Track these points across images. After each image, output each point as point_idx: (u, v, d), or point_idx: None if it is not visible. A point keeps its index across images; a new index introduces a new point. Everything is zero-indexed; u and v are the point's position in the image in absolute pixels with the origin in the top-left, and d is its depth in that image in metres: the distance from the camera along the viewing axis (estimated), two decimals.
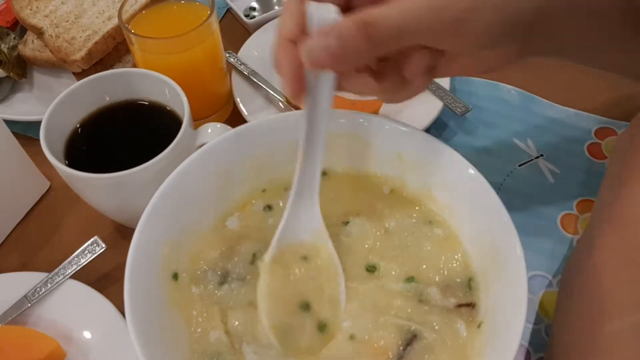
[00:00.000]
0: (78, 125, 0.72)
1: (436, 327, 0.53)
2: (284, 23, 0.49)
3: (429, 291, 0.56)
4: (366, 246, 0.59)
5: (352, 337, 0.53)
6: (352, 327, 0.54)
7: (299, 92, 0.50)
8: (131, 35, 0.76)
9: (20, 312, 0.66)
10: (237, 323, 0.55)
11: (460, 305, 0.55)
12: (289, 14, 0.48)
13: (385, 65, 0.52)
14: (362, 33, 0.44)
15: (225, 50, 0.86)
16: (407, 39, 0.46)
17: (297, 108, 0.85)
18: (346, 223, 0.61)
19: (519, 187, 0.78)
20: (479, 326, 0.53)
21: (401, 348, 0.52)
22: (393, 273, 0.57)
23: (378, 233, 0.60)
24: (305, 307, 0.54)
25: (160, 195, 0.56)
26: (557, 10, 0.50)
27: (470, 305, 0.55)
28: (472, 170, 0.58)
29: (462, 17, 0.45)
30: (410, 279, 0.56)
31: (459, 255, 0.58)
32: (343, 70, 0.51)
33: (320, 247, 0.56)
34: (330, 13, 0.47)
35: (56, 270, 0.68)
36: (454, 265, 0.57)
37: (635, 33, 0.55)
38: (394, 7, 0.45)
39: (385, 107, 0.83)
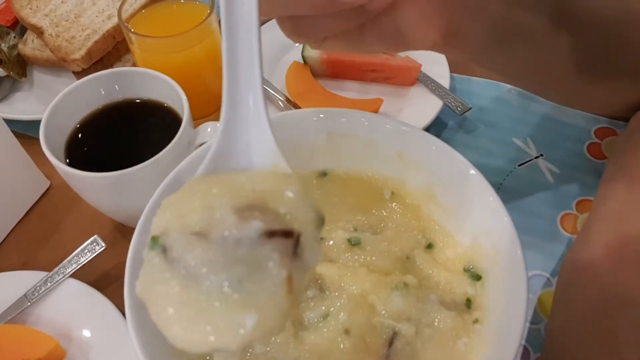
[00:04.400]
0: (78, 125, 0.72)
1: (431, 325, 0.54)
2: None
3: (429, 294, 0.56)
4: (374, 259, 0.59)
5: (346, 331, 0.54)
6: (347, 321, 0.54)
7: None
8: (131, 34, 0.76)
9: (20, 311, 0.66)
10: None
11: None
12: None
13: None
14: None
15: None
16: None
17: (297, 107, 0.85)
18: (355, 230, 0.61)
19: (519, 186, 0.78)
20: (475, 322, 0.54)
21: (391, 346, 0.52)
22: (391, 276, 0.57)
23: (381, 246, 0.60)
24: None
25: (160, 194, 0.56)
26: None
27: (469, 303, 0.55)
28: (472, 170, 0.58)
29: None
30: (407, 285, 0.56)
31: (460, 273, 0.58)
32: None
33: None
34: None
35: (56, 269, 0.68)
36: (456, 279, 0.57)
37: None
38: None
39: (385, 107, 0.83)
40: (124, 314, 0.50)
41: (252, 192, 0.37)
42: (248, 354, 0.53)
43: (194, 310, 0.33)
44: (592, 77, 0.63)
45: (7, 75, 0.91)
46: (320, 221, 0.38)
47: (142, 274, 0.36)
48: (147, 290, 0.36)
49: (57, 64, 0.91)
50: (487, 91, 0.89)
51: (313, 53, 0.89)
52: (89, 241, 0.69)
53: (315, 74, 0.90)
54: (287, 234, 0.35)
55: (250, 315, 0.33)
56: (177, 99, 0.70)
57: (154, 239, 0.36)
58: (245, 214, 0.34)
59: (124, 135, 0.73)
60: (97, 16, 0.91)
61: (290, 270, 0.34)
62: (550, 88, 0.68)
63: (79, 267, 0.68)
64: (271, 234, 0.34)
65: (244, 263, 0.33)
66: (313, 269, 0.37)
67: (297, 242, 0.35)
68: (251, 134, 0.42)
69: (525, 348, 0.64)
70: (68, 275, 0.67)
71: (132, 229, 0.54)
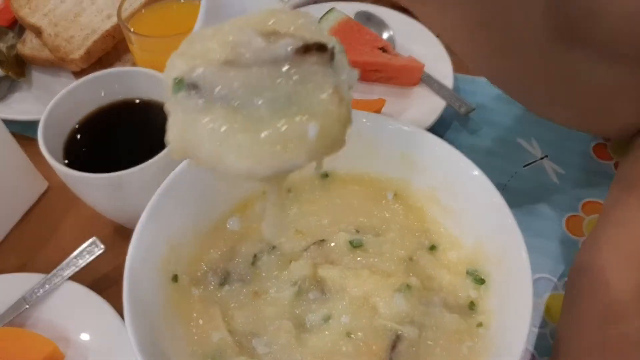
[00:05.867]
0: (77, 125, 0.72)
1: (435, 328, 0.53)
2: None
3: (432, 297, 0.55)
4: (376, 260, 0.58)
5: (348, 334, 0.53)
6: (349, 324, 0.53)
7: None
8: (130, 34, 0.76)
9: (18, 314, 0.65)
10: (242, 321, 0.54)
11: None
12: None
13: None
14: None
15: None
16: None
17: None
18: (357, 232, 0.60)
19: (524, 188, 0.77)
20: (479, 325, 0.53)
21: (394, 349, 0.52)
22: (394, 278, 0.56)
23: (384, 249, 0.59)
24: None
25: (159, 196, 0.56)
26: None
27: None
28: (476, 171, 0.57)
29: None
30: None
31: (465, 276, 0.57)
32: None
33: None
34: None
35: (54, 271, 0.67)
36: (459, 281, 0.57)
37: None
38: None
39: (388, 107, 0.83)
40: (122, 316, 0.49)
41: (263, 25, 0.35)
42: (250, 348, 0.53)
43: (251, 134, 0.33)
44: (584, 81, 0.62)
45: (5, 75, 0.90)
46: (342, 47, 0.37)
47: (173, 122, 0.35)
48: (187, 136, 0.35)
49: (56, 64, 0.90)
50: (491, 91, 0.88)
51: None
52: (87, 243, 0.69)
53: None
54: (321, 47, 0.34)
55: (312, 124, 0.33)
56: None
57: (178, 81, 0.34)
58: (271, 37, 0.33)
59: (123, 135, 0.73)
60: (96, 16, 0.90)
61: (335, 81, 0.34)
62: (529, 91, 0.67)
63: (77, 269, 0.67)
64: (306, 49, 0.33)
65: (289, 79, 0.33)
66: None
67: (332, 56, 0.34)
68: None
69: (531, 354, 0.63)
70: (66, 277, 0.67)
71: (131, 231, 0.53)
